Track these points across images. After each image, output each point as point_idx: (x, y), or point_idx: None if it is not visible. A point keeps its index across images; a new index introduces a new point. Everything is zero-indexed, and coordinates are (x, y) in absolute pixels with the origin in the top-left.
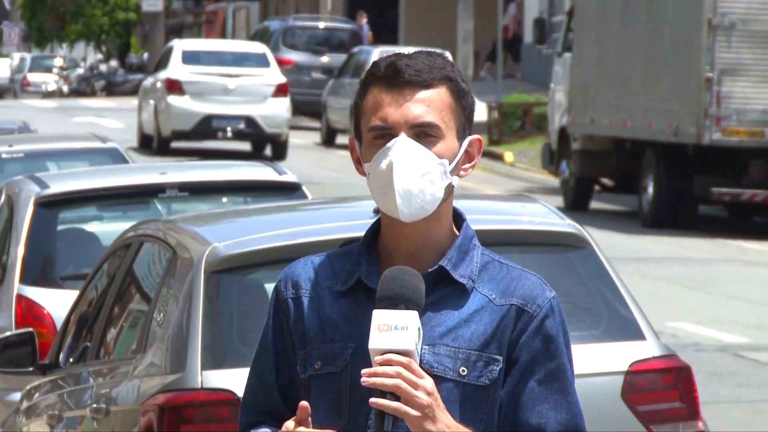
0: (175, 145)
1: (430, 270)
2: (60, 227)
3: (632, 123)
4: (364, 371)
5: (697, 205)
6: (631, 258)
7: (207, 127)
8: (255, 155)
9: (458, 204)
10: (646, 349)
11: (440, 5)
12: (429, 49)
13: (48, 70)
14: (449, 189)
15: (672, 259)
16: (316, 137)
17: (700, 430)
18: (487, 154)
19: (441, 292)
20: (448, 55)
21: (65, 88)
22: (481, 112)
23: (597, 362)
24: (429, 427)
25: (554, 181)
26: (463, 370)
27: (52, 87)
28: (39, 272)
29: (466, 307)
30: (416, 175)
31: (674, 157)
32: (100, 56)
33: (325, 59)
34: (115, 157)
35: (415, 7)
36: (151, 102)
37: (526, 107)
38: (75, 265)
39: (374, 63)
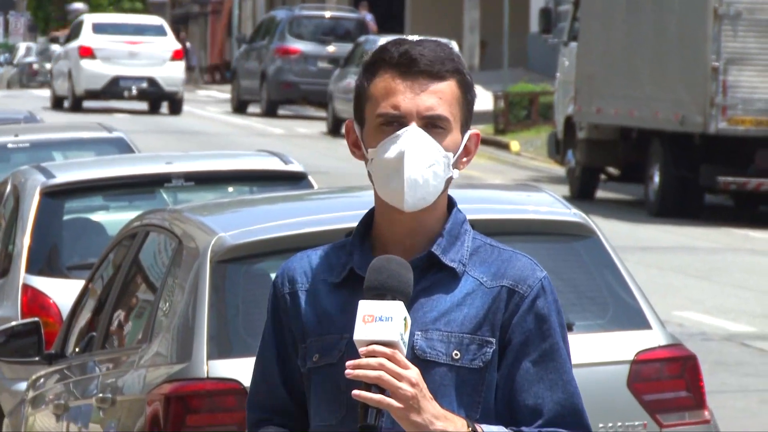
0: (86, 104)
1: (420, 256)
2: (66, 217)
3: (638, 112)
4: (348, 363)
5: (704, 195)
6: (637, 247)
7: (115, 86)
8: (152, 112)
9: (464, 193)
10: (652, 338)
11: None
12: (433, 38)
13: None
14: (448, 181)
15: (678, 248)
16: (323, 127)
17: (706, 419)
18: (493, 143)
19: (432, 277)
20: (454, 44)
21: None
22: (487, 102)
23: (603, 351)
24: (414, 418)
25: (560, 171)
26: (456, 354)
27: None
28: (45, 262)
29: (458, 290)
30: (424, 166)
31: (680, 146)
32: None
33: (331, 49)
34: (121, 146)
35: None
36: (65, 68)
37: (532, 96)
38: (81, 254)
39: (382, 48)
